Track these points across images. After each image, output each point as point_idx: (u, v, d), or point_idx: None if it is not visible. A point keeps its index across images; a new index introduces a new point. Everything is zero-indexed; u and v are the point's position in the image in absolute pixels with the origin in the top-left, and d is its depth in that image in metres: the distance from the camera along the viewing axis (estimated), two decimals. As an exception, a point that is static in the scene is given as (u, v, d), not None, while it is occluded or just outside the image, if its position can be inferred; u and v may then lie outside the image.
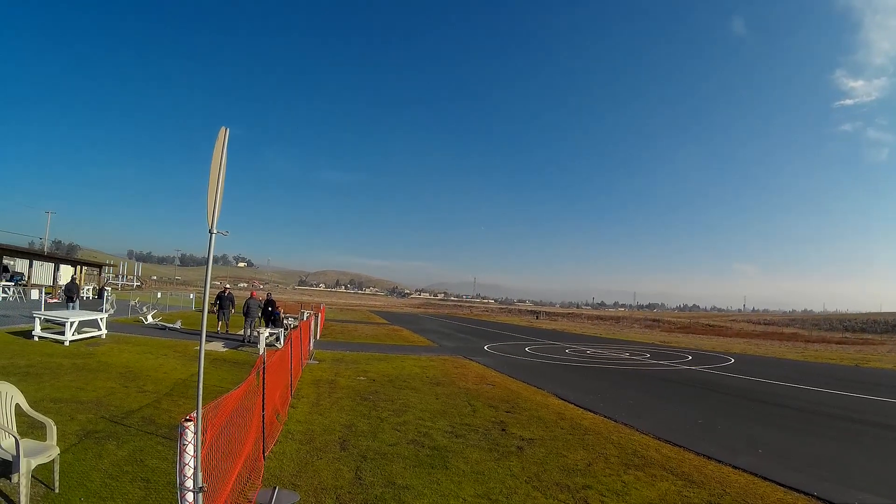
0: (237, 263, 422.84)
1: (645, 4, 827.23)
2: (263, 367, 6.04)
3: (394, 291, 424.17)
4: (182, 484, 3.23)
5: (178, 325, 22.21)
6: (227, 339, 20.13)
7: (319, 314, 27.93)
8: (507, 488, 5.79)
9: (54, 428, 5.01)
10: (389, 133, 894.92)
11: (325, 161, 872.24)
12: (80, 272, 49.03)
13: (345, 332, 29.78)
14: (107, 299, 27.95)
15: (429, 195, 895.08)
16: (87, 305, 27.49)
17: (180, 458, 3.22)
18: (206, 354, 3.78)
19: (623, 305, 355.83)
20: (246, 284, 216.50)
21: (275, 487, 5.29)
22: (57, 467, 4.89)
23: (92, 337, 16.01)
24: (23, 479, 4.34)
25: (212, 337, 20.05)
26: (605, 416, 10.18)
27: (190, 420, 3.25)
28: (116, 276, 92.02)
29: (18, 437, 4.44)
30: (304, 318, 21.70)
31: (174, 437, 3.34)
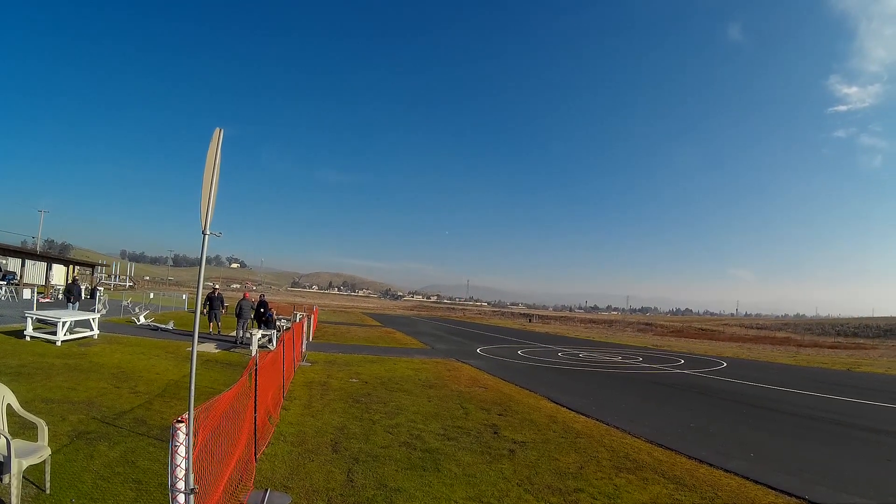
0: (230, 264, 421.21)
1: (642, 11, 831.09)
2: (255, 369, 6.03)
3: (387, 293, 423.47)
4: (174, 485, 3.23)
5: (170, 325, 22.13)
6: (219, 340, 20.07)
7: (312, 316, 27.88)
8: (499, 491, 5.80)
9: (46, 428, 4.99)
10: (383, 134, 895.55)
11: (318, 162, 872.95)
12: (73, 272, 48.73)
13: (337, 334, 29.73)
14: (99, 299, 27.78)
15: (422, 197, 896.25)
16: (80, 305, 27.33)
17: (172, 460, 3.22)
18: (198, 356, 3.78)
19: (616, 309, 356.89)
20: (239, 285, 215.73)
21: (266, 489, 5.28)
22: (48, 468, 4.86)
23: (84, 337, 15.93)
24: (14, 480, 4.31)
25: (204, 338, 19.98)
26: (597, 420, 10.21)
27: (182, 421, 3.25)
28: (109, 276, 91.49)
29: (9, 438, 4.41)
30: (297, 320, 21.65)
31: (166, 439, 3.34)
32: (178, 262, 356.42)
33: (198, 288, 4.02)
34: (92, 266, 60.64)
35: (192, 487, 3.29)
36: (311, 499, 5.22)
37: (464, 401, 11.20)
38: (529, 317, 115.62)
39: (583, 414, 10.72)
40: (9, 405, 4.97)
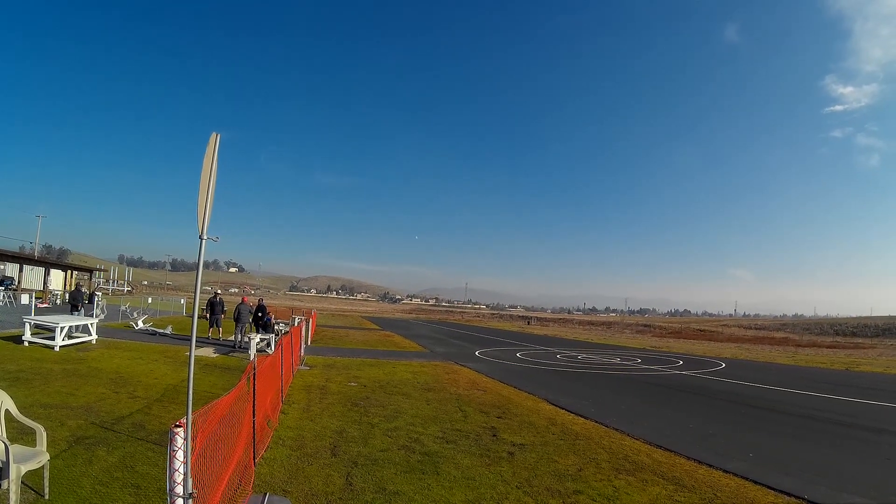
0: (228, 269, 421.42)
1: (638, 11, 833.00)
2: (254, 373, 6.03)
3: (385, 297, 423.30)
4: (172, 490, 3.22)
5: (168, 330, 22.11)
6: (217, 344, 20.05)
7: (311, 320, 27.85)
8: (498, 494, 5.80)
9: (44, 434, 4.99)
10: (381, 137, 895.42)
11: (316, 165, 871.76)
12: (71, 277, 48.65)
13: (336, 338, 29.74)
14: (97, 304, 27.74)
15: (421, 200, 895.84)
16: (84, 311, 27.29)
17: (170, 465, 3.22)
18: (196, 360, 3.78)
19: (615, 311, 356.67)
20: (237, 290, 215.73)
21: (265, 493, 5.28)
22: (47, 473, 4.86)
23: (82, 342, 15.92)
24: (12, 486, 4.31)
25: (202, 342, 19.97)
26: (596, 422, 10.21)
27: (180, 426, 3.25)
28: (107, 280, 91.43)
29: (8, 443, 4.41)
30: (296, 324, 21.63)
31: (165, 443, 3.34)
32: (177, 266, 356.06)
33: (195, 292, 4.03)
34: (90, 271, 60.51)
35: (190, 492, 3.28)
36: (310, 502, 5.22)
37: (462, 404, 11.20)
38: (528, 319, 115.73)
39: (581, 416, 10.73)
40: (7, 410, 4.97)
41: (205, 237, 3.75)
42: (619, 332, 78.99)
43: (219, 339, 21.47)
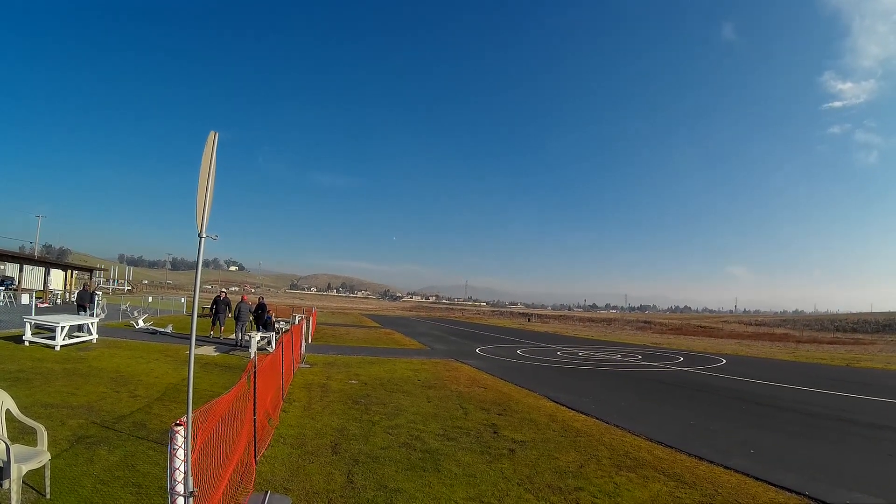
0: (228, 267, 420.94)
1: (634, 9, 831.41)
2: (254, 371, 6.03)
3: (385, 295, 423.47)
4: (172, 489, 3.22)
5: (169, 329, 22.12)
6: (218, 343, 20.07)
7: (311, 318, 27.86)
8: (499, 491, 5.80)
9: (45, 433, 4.98)
10: (380, 136, 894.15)
11: (316, 164, 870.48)
12: (71, 276, 48.68)
13: (336, 336, 29.75)
14: (97, 304, 27.73)
15: (420, 198, 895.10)
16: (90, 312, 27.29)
17: (171, 463, 3.22)
18: (197, 359, 3.78)
19: (615, 308, 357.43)
20: (237, 288, 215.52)
21: (266, 492, 5.28)
22: (48, 473, 4.86)
23: (83, 342, 15.93)
24: (13, 485, 4.31)
25: (203, 341, 19.98)
26: (597, 418, 10.22)
27: (180, 424, 3.25)
28: (107, 280, 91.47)
29: (9, 443, 4.41)
30: (296, 322, 21.63)
31: (166, 442, 3.34)
32: (177, 265, 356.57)
33: (195, 290, 4.02)
34: (90, 270, 60.55)
35: (191, 490, 3.28)
36: (311, 500, 5.22)
37: (463, 401, 11.21)
38: (528, 316, 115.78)
39: (582, 413, 10.73)
40: (8, 410, 4.96)
41: (204, 235, 3.74)
42: (619, 328, 79.11)
43: (219, 338, 21.49)
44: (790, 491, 6.23)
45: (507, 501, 5.51)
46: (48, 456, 4.84)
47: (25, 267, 41.29)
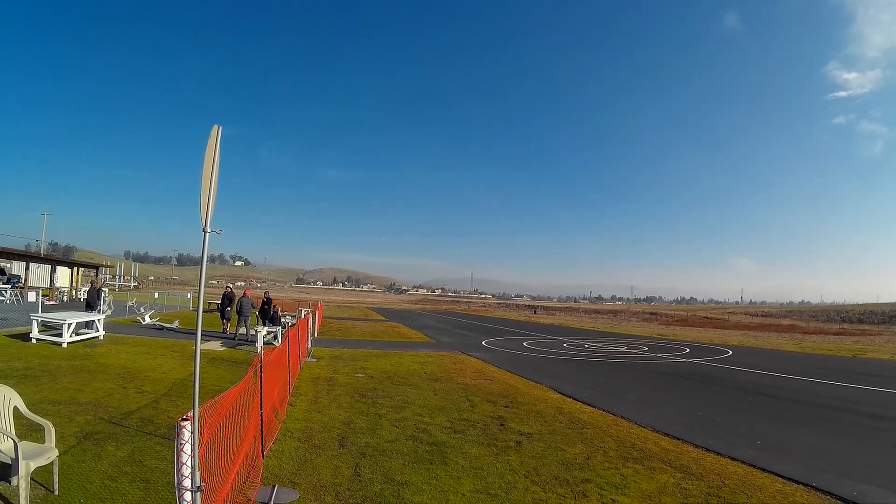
0: (234, 262, 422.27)
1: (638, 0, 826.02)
2: (261, 366, 6.04)
3: (391, 288, 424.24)
4: (180, 483, 3.23)
5: (175, 324, 22.17)
6: (225, 338, 20.12)
7: (317, 312, 27.91)
8: (506, 483, 5.80)
9: (53, 430, 5.00)
10: (386, 129, 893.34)
11: (321, 158, 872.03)
12: (77, 274, 48.83)
13: (343, 330, 29.80)
14: (104, 300, 27.85)
15: (426, 191, 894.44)
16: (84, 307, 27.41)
17: (177, 458, 3.23)
18: (203, 354, 3.78)
19: (620, 299, 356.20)
20: (243, 283, 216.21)
21: (274, 486, 5.29)
22: (56, 469, 4.88)
23: (90, 338, 15.98)
24: (22, 482, 4.33)
25: (209, 336, 20.04)
26: (604, 410, 10.21)
27: (187, 419, 3.25)
28: (113, 276, 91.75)
29: (17, 440, 4.43)
30: (302, 316, 21.66)
31: (173, 437, 3.36)
32: (183, 261, 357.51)
33: (199, 286, 4.02)
34: (96, 267, 60.70)
35: (198, 485, 3.29)
36: (319, 494, 5.23)
37: (470, 393, 11.21)
38: (534, 308, 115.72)
39: (589, 404, 10.73)
40: (15, 408, 4.98)
41: (208, 230, 3.73)
42: (625, 320, 78.95)
43: (224, 333, 21.55)
44: (797, 482, 6.22)
45: (515, 494, 5.52)
46: (56, 452, 4.86)
47: (31, 265, 41.42)
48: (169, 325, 21.97)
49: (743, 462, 6.98)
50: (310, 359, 15.32)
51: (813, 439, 8.58)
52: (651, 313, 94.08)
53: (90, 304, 20.10)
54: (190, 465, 3.25)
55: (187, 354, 14.48)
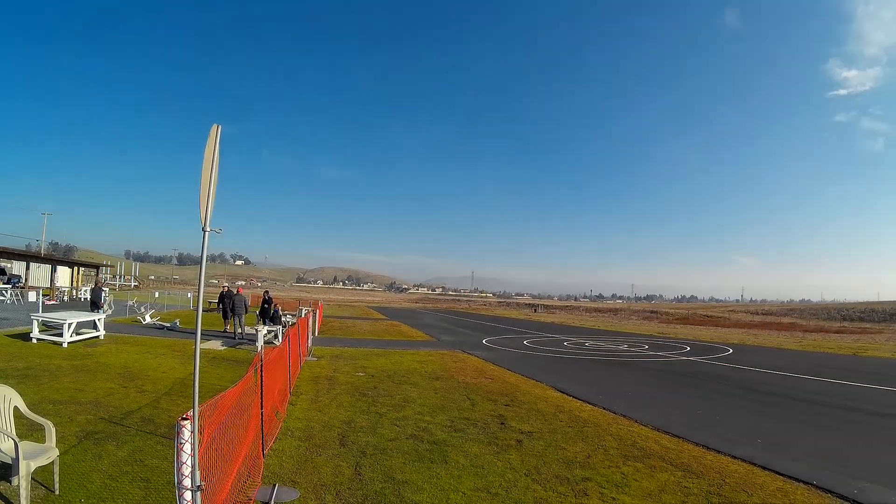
0: (235, 262, 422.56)
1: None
2: (261, 365, 6.04)
3: (392, 287, 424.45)
4: (180, 483, 3.23)
5: (176, 324, 22.20)
6: (225, 337, 20.14)
7: (317, 311, 27.93)
8: (507, 481, 5.80)
9: (53, 430, 5.00)
10: (385, 128, 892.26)
11: (321, 157, 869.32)
12: (78, 273, 48.89)
13: (343, 329, 29.82)
14: (104, 300, 27.86)
15: (426, 190, 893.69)
16: (85, 306, 27.43)
17: (178, 458, 3.23)
18: (204, 353, 3.78)
19: (621, 298, 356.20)
20: (243, 282, 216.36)
21: (275, 485, 5.29)
22: (57, 469, 4.88)
23: (90, 338, 15.99)
24: (23, 482, 4.33)
25: (210, 335, 20.05)
26: (604, 408, 10.21)
27: (187, 419, 3.25)
28: (114, 276, 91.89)
29: (17, 440, 4.43)
30: (303, 315, 21.69)
31: (173, 437, 3.36)
32: (183, 260, 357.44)
33: (199, 285, 4.02)
34: (97, 267, 60.78)
35: (198, 484, 3.29)
36: (320, 493, 5.24)
37: (470, 392, 11.22)
38: (535, 307, 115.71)
39: (589, 403, 10.73)
40: (16, 407, 4.98)
41: (208, 229, 3.73)
42: (625, 318, 78.98)
43: (225, 332, 21.58)
44: (798, 480, 6.21)
45: (515, 492, 5.52)
46: (57, 452, 4.87)
47: (32, 264, 41.49)
48: (169, 325, 22.00)
49: (743, 460, 6.98)
50: (310, 358, 15.33)
51: (814, 437, 8.58)
52: (651, 311, 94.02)
53: (94, 303, 20.13)
54: (190, 465, 3.25)
55: (187, 354, 14.49)
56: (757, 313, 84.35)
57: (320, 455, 6.44)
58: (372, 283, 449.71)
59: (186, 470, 3.24)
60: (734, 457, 7.14)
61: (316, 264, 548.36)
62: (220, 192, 3.94)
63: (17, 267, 40.47)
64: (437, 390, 11.29)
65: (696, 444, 7.75)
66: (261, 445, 5.94)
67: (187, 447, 3.23)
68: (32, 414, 5.07)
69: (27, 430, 5.79)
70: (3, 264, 39.10)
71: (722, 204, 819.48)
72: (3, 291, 31.90)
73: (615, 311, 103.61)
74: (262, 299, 22.67)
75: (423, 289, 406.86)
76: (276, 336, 18.73)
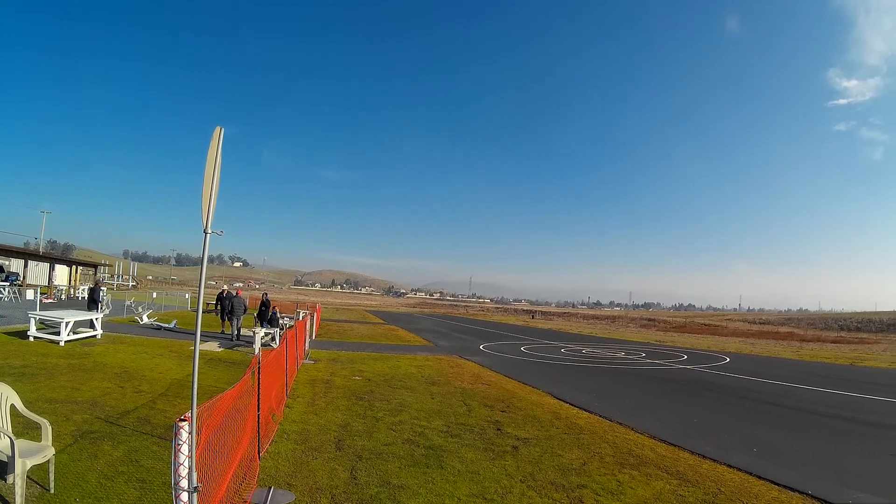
0: (233, 263, 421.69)
1: (639, 4, 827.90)
2: (258, 367, 6.04)
3: (390, 291, 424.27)
4: (177, 484, 3.23)
5: (173, 325, 22.16)
6: (223, 338, 20.11)
7: (315, 314, 27.90)
8: (503, 488, 5.80)
9: (49, 428, 5.00)
10: (385, 132, 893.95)
11: (320, 160, 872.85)
12: (76, 272, 48.77)
13: (341, 332, 29.77)
14: (102, 299, 27.81)
15: (425, 194, 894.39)
16: (83, 305, 27.39)
17: (175, 459, 3.23)
18: (201, 354, 3.79)
19: (619, 305, 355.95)
20: (241, 284, 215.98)
21: (270, 487, 5.29)
22: (52, 468, 4.88)
23: (87, 337, 15.96)
24: (18, 480, 4.33)
25: (207, 337, 20.02)
26: (601, 416, 10.21)
27: (184, 420, 3.26)
28: (112, 276, 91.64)
29: (13, 438, 4.43)
30: (300, 318, 21.67)
31: (170, 438, 3.35)
32: (182, 261, 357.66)
33: (199, 286, 4.03)
34: (95, 266, 60.64)
35: (195, 486, 3.30)
36: (315, 496, 5.23)
37: (467, 398, 11.21)
38: (532, 313, 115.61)
39: (586, 410, 10.73)
40: (12, 405, 4.98)
41: (209, 231, 3.75)
42: (623, 326, 78.85)
43: (222, 333, 21.56)
44: (793, 490, 6.22)
45: (510, 498, 5.52)
46: (52, 451, 4.86)
47: (30, 263, 41.35)
48: (167, 325, 21.95)
49: (739, 469, 6.98)
50: (307, 361, 15.31)
51: (810, 447, 8.58)
52: (649, 319, 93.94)
53: (94, 301, 20.12)
54: (187, 466, 3.26)
55: (185, 355, 14.47)
56: (754, 322, 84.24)
57: (316, 458, 6.43)
58: (370, 286, 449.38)
59: (184, 471, 3.24)
60: (730, 465, 7.14)
61: (314, 267, 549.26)
62: (220, 192, 3.95)
63: (15, 265, 40.37)
64: (434, 395, 11.28)
65: (692, 453, 7.75)
66: (257, 448, 5.94)
67: (184, 448, 3.24)
68: (29, 412, 5.07)
69: (23, 428, 5.77)
70: (0, 262, 39.01)
71: (721, 212, 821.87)
72: (1, 289, 31.84)
73: (613, 318, 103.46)
74: (260, 301, 22.65)
75: (420, 293, 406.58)
76: (273, 338, 18.70)
